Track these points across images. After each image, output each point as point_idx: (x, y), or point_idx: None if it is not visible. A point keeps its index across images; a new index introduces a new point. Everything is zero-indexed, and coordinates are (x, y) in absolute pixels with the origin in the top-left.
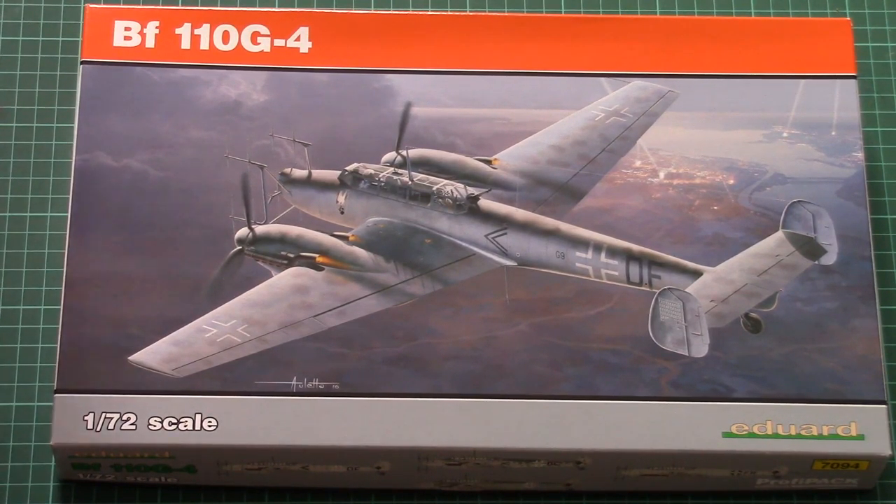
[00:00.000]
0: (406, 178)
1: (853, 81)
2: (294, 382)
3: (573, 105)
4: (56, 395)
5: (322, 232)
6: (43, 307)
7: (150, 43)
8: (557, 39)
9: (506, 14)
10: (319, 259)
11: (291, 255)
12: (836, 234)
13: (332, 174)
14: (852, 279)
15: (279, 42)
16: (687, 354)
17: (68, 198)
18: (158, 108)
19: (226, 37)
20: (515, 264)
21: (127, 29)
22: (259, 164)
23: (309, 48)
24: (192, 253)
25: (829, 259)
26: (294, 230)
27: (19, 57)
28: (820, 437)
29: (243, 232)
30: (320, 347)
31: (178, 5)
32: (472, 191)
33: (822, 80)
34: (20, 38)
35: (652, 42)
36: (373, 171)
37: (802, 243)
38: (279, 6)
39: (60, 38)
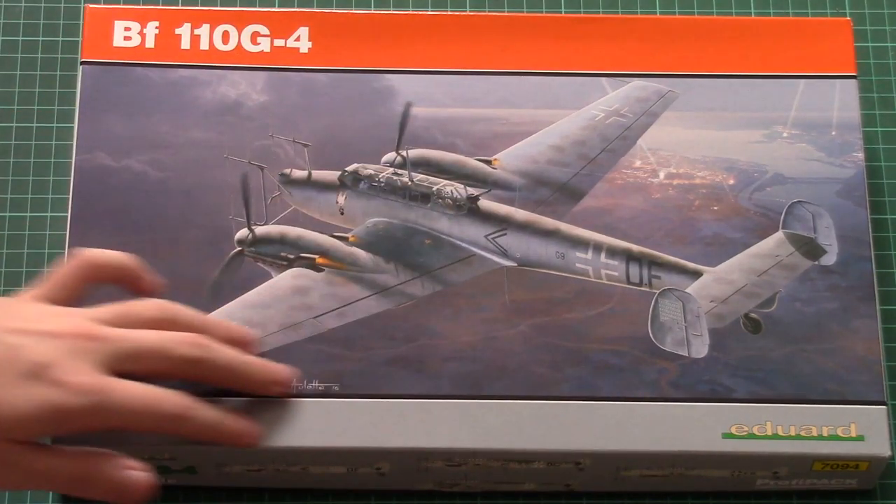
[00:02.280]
0: (406, 179)
1: (853, 81)
2: (294, 384)
3: (573, 105)
4: None
5: (322, 233)
6: None
7: (149, 43)
8: (557, 39)
9: (506, 14)
10: (319, 260)
11: (291, 257)
12: (836, 234)
13: (331, 175)
14: (852, 280)
15: (279, 42)
16: (687, 355)
17: (68, 198)
18: (158, 108)
19: (226, 37)
20: (515, 265)
21: (127, 29)
22: (259, 164)
23: (309, 48)
24: (192, 254)
25: (829, 259)
26: (294, 231)
27: (19, 57)
28: (820, 437)
29: (243, 233)
30: (320, 349)
31: (178, 5)
32: (472, 191)
33: (822, 79)
34: (20, 38)
35: (652, 42)
36: (373, 172)
37: (802, 244)
38: (279, 6)
39: (60, 38)
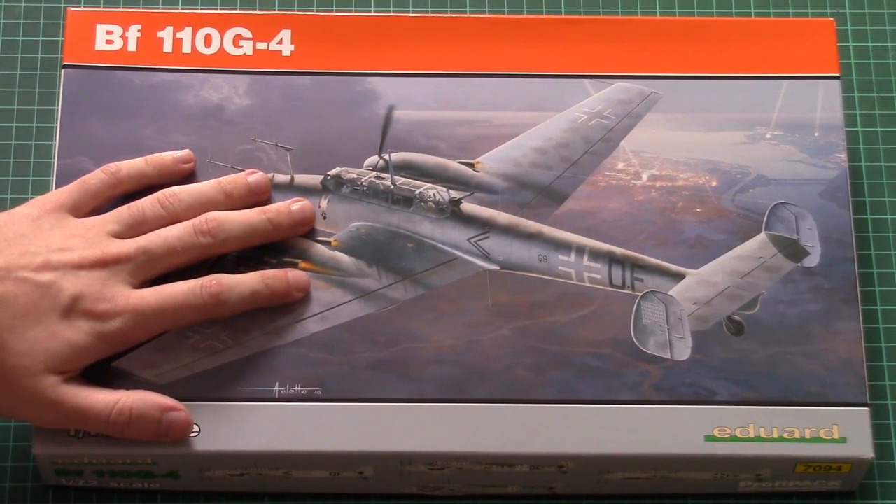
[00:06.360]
0: (388, 182)
1: (836, 82)
2: (276, 388)
3: (556, 107)
4: None
5: (304, 237)
6: None
7: (131, 46)
8: (539, 41)
9: (487, 16)
10: (302, 264)
11: (274, 261)
12: (819, 235)
13: (314, 179)
14: (835, 281)
15: (261, 45)
16: (669, 358)
17: None
18: (140, 112)
19: (208, 40)
20: (498, 268)
21: (108, 32)
22: (241, 169)
23: (291, 51)
24: None
25: (812, 261)
26: None
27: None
28: (802, 440)
29: None
30: (302, 353)
31: (158, 7)
32: (455, 194)
33: (805, 80)
34: (0, 38)
35: (634, 43)
36: (355, 176)
37: (785, 245)
38: (259, 7)
39: (41, 38)
